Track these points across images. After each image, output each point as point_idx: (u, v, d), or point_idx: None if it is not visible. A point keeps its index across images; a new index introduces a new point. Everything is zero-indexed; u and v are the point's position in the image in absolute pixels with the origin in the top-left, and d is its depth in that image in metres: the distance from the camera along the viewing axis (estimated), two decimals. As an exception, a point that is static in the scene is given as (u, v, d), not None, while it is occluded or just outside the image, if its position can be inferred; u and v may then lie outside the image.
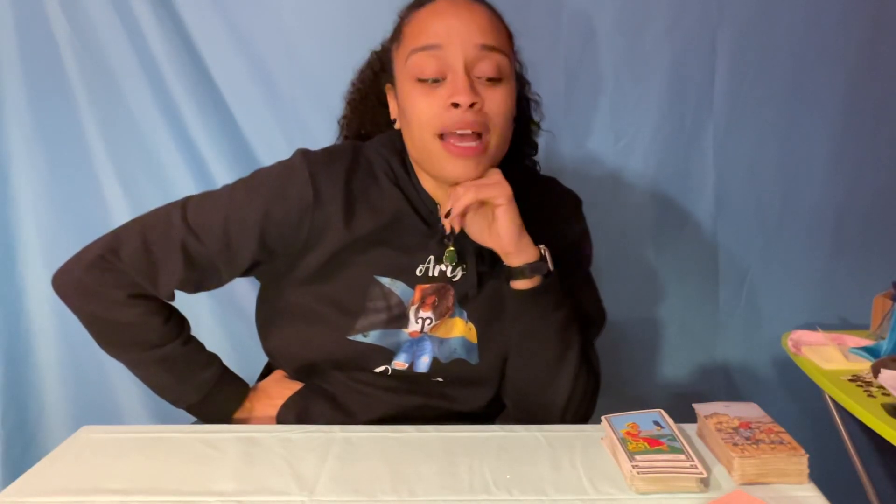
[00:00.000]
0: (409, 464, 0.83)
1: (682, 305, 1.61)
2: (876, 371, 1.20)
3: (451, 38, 0.91)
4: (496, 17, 0.96)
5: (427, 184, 1.00)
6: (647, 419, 0.88)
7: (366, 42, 1.10)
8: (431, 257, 1.00)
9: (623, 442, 0.82)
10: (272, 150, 1.48)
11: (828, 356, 1.31)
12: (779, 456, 0.78)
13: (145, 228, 0.98)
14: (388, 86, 1.02)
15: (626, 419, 0.88)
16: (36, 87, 1.46)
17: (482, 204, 0.94)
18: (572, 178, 1.17)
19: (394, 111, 1.01)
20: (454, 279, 1.01)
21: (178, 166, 1.49)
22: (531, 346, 0.98)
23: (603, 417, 0.89)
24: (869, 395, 1.15)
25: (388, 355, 1.00)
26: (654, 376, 1.64)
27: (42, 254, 1.50)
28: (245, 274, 1.04)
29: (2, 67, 1.45)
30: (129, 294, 0.97)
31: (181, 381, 1.01)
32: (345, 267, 0.99)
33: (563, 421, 0.99)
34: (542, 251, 0.97)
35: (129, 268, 0.96)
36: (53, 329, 1.53)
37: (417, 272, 1.00)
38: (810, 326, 1.44)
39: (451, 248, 0.98)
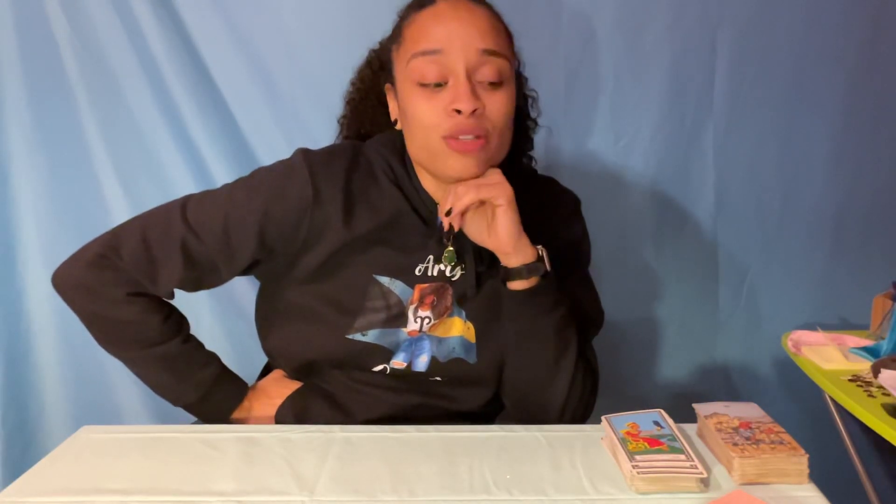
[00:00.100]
0: (409, 464, 0.83)
1: (682, 305, 1.61)
2: (876, 371, 1.20)
3: (453, 42, 0.91)
4: (497, 19, 0.96)
5: (427, 183, 1.00)
6: (647, 419, 0.88)
7: (365, 42, 1.10)
8: (430, 257, 1.00)
9: (623, 442, 0.82)
10: (272, 149, 1.48)
11: (828, 356, 1.31)
12: (779, 456, 0.78)
13: (145, 227, 0.99)
14: (387, 86, 1.02)
15: (626, 419, 0.88)
16: (36, 87, 1.46)
17: (482, 203, 0.94)
18: (572, 178, 1.18)
19: (394, 111, 1.01)
20: (453, 279, 1.01)
21: (178, 166, 1.49)
22: (529, 346, 0.98)
23: (603, 417, 0.89)
24: (869, 395, 1.15)
25: (386, 354, 1.00)
26: (654, 376, 1.64)
27: (42, 254, 1.50)
28: (244, 273, 1.04)
29: (2, 67, 1.45)
30: (129, 292, 0.97)
31: (180, 380, 1.01)
32: (344, 266, 0.99)
33: (561, 420, 0.99)
34: (540, 251, 0.97)
35: (128, 266, 0.97)
36: (53, 329, 1.53)
37: (416, 272, 1.00)
38: (810, 326, 1.44)
39: (451, 248, 0.99)
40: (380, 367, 1.00)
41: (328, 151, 1.01)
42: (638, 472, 0.77)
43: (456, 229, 0.95)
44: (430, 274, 1.00)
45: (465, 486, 0.79)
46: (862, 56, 1.51)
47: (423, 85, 0.92)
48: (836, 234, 1.58)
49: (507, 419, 1.04)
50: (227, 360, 1.06)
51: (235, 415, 1.04)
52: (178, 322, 1.02)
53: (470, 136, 0.90)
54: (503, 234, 0.94)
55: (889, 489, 1.59)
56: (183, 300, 1.04)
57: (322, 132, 1.31)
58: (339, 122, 1.16)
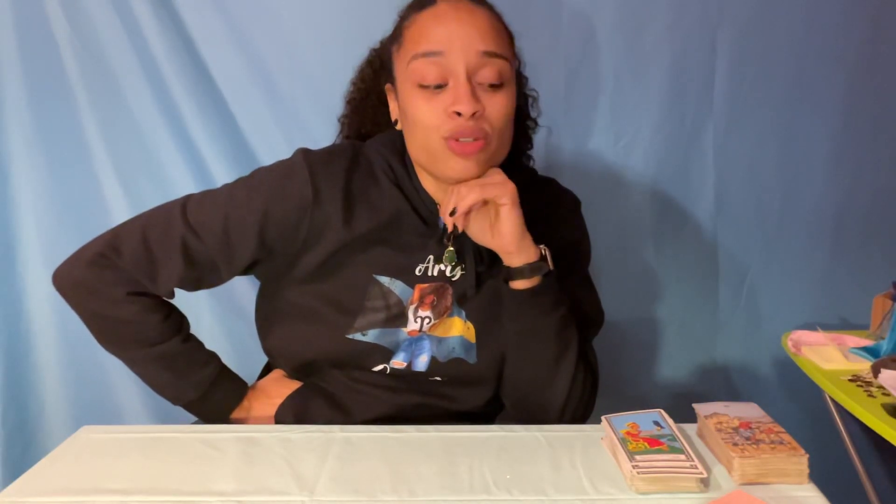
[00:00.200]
0: (409, 464, 0.83)
1: (682, 305, 1.61)
2: (876, 371, 1.20)
3: (453, 44, 0.90)
4: (497, 20, 0.96)
5: (427, 184, 1.00)
6: (647, 419, 0.88)
7: (365, 42, 1.11)
8: (431, 257, 1.00)
9: (623, 442, 0.82)
10: (272, 149, 1.48)
11: (828, 356, 1.31)
12: (779, 456, 0.78)
13: (145, 226, 0.99)
14: (388, 86, 1.02)
15: (626, 419, 0.88)
16: (36, 87, 1.46)
17: (485, 203, 0.94)
18: (572, 178, 1.18)
19: (394, 112, 1.01)
20: (453, 279, 1.01)
21: (178, 166, 1.49)
22: (529, 345, 0.98)
23: (603, 417, 0.89)
24: (869, 395, 1.15)
25: (386, 354, 1.00)
26: (654, 376, 1.64)
27: (42, 254, 1.50)
28: (245, 273, 1.04)
29: (2, 67, 1.45)
30: (129, 291, 0.97)
31: (180, 379, 1.01)
32: (344, 266, 0.99)
33: (561, 420, 0.99)
34: (543, 251, 0.97)
35: (128, 265, 0.97)
36: (53, 329, 1.53)
37: (416, 272, 1.00)
38: (810, 326, 1.44)
39: (451, 248, 0.99)
40: (380, 367, 1.00)
41: (328, 151, 1.01)
42: (638, 472, 0.77)
43: (460, 230, 0.95)
44: (430, 274, 1.00)
45: (465, 486, 0.79)
46: (862, 56, 1.51)
47: (424, 86, 0.92)
48: (836, 234, 1.58)
49: (507, 419, 1.04)
50: (227, 360, 1.06)
51: (235, 414, 1.04)
52: (178, 321, 1.02)
53: (470, 139, 0.90)
54: (507, 234, 0.94)
55: (889, 489, 1.59)
56: (183, 300, 1.04)
57: (322, 132, 1.31)
58: (339, 121, 1.16)
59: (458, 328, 1.01)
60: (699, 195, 1.57)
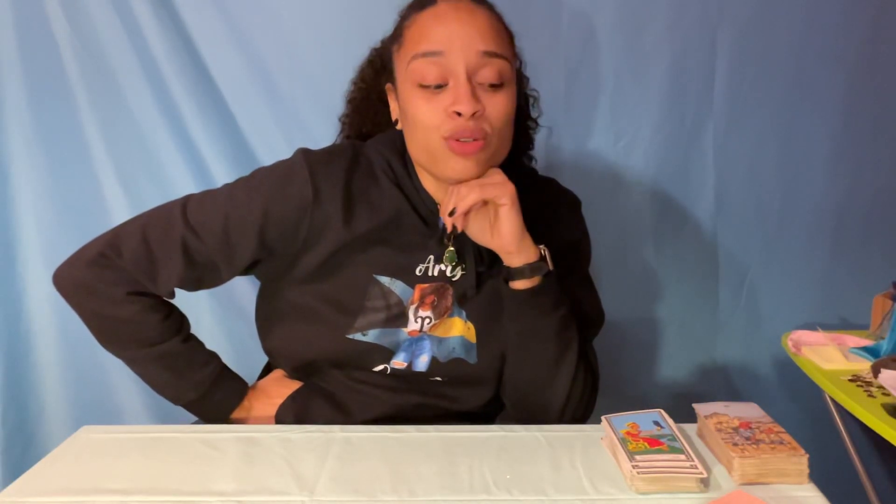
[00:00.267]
0: (409, 464, 0.83)
1: (682, 305, 1.61)
2: (876, 371, 1.20)
3: (453, 44, 0.90)
4: (498, 20, 0.96)
5: (427, 183, 1.00)
6: (647, 419, 0.88)
7: (365, 41, 1.11)
8: (431, 257, 1.00)
9: (623, 442, 0.82)
10: (272, 150, 1.48)
11: (828, 356, 1.31)
12: (779, 456, 0.78)
13: (146, 226, 0.99)
14: (388, 85, 1.02)
15: (626, 419, 0.88)
16: (36, 87, 1.46)
17: (485, 203, 0.94)
18: (572, 178, 1.18)
19: (395, 111, 1.01)
20: (453, 279, 1.01)
21: (178, 166, 1.49)
22: (530, 345, 0.98)
23: (603, 417, 0.89)
24: (869, 395, 1.15)
25: (387, 354, 1.00)
26: (654, 376, 1.64)
27: (42, 254, 1.50)
28: (245, 273, 1.04)
29: (2, 67, 1.45)
30: (129, 291, 0.97)
31: (180, 379, 1.01)
32: (344, 266, 0.99)
33: (561, 421, 0.99)
34: (542, 251, 0.97)
35: (129, 265, 0.97)
36: (53, 329, 1.53)
37: (417, 272, 1.00)
38: (810, 326, 1.44)
39: (451, 248, 0.99)
40: (380, 367, 1.00)
41: (328, 151, 1.01)
42: (638, 472, 0.77)
43: (459, 230, 0.95)
44: (430, 274, 1.00)
45: (465, 486, 0.79)
46: (862, 56, 1.51)
47: (424, 86, 0.92)
48: (836, 234, 1.58)
49: (507, 419, 1.04)
50: (227, 360, 1.06)
51: (235, 414, 1.04)
52: (178, 321, 1.02)
53: (470, 139, 0.90)
54: (507, 234, 0.94)
55: (889, 489, 1.59)
56: (183, 300, 1.04)
57: (322, 132, 1.31)
58: (340, 120, 1.16)
59: (459, 328, 1.01)
60: (699, 195, 1.57)
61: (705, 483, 0.78)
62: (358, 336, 0.99)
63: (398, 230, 0.99)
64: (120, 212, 1.48)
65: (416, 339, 1.00)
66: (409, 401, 1.02)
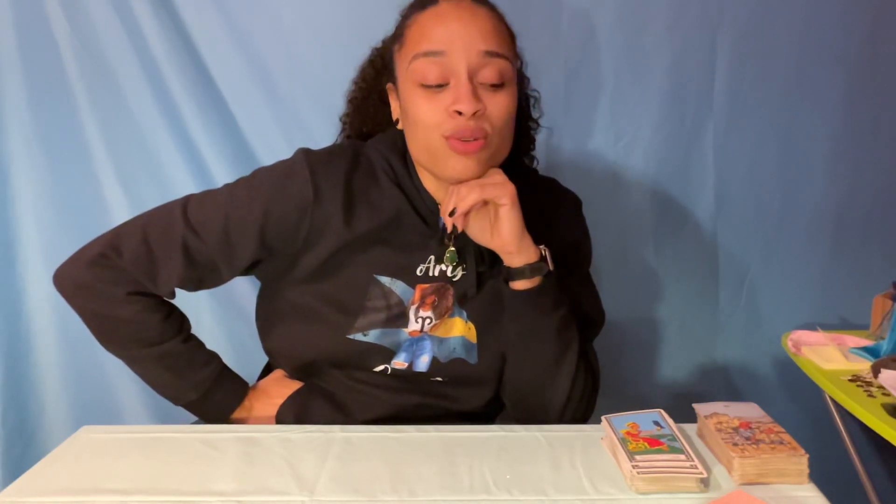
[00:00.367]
0: (409, 464, 0.83)
1: (682, 305, 1.61)
2: (876, 371, 1.20)
3: (455, 43, 0.90)
4: (499, 19, 0.96)
5: (428, 183, 1.00)
6: (647, 419, 0.88)
7: (366, 41, 1.10)
8: (432, 257, 1.00)
9: (623, 442, 0.82)
10: (272, 150, 1.48)
11: (828, 356, 1.31)
12: (779, 456, 0.78)
13: (146, 226, 0.99)
14: (389, 85, 1.02)
15: (626, 419, 0.88)
16: (36, 87, 1.46)
17: (485, 203, 0.94)
18: (572, 178, 1.18)
19: (395, 111, 1.01)
20: (454, 279, 1.01)
21: (178, 166, 1.49)
22: (530, 346, 0.98)
23: (603, 417, 0.89)
24: (869, 395, 1.15)
25: (387, 354, 1.00)
26: (654, 376, 1.64)
27: (42, 254, 1.50)
28: (245, 273, 1.04)
29: (2, 67, 1.45)
30: (129, 291, 0.97)
31: (180, 379, 1.01)
32: (344, 266, 0.99)
33: (561, 421, 0.99)
34: (543, 251, 0.97)
35: (129, 265, 0.97)
36: (53, 329, 1.53)
37: (417, 272, 1.00)
38: (810, 326, 1.44)
39: (452, 248, 0.99)
40: (381, 368, 1.00)
41: (329, 151, 1.01)
42: (638, 472, 0.77)
43: (459, 230, 0.95)
44: (431, 274, 1.00)
45: (465, 486, 0.79)
46: (862, 56, 1.51)
47: (425, 86, 0.92)
48: (836, 234, 1.58)
49: (507, 419, 1.04)
50: (228, 360, 1.06)
51: (236, 414, 1.04)
52: (178, 321, 1.02)
53: (470, 138, 0.90)
54: (507, 234, 0.94)
55: (889, 489, 1.59)
56: (183, 300, 1.04)
57: (322, 132, 1.31)
58: (341, 120, 1.16)
59: (460, 328, 1.01)
60: (699, 195, 1.57)
61: (705, 483, 0.78)
62: (358, 336, 0.99)
63: (399, 230, 0.99)
64: (120, 212, 1.48)
65: (417, 339, 1.00)
66: (410, 401, 1.02)
